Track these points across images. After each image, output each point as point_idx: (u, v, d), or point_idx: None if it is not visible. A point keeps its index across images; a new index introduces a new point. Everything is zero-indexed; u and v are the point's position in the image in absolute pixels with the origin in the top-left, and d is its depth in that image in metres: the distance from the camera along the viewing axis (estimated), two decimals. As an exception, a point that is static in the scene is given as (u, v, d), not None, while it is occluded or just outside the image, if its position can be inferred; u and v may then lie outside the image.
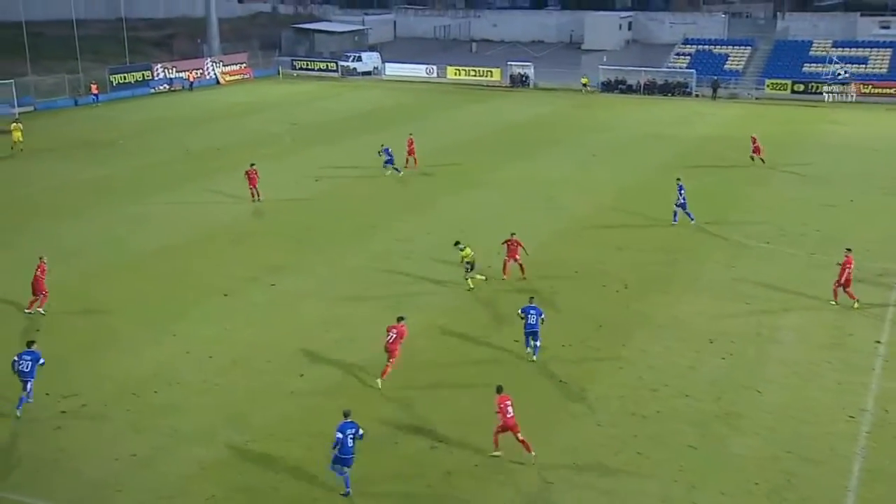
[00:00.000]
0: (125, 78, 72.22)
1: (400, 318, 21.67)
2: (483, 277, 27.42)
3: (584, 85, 73.31)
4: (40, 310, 25.48)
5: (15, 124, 49.05)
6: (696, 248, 31.40)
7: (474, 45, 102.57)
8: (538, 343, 22.37)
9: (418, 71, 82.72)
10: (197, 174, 41.10)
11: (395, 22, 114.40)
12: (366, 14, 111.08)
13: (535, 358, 22.33)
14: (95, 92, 66.92)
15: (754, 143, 43.62)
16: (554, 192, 38.99)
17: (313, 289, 27.43)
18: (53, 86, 67.17)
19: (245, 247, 31.68)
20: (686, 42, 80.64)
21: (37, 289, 25.41)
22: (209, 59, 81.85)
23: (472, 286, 27.06)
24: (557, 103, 67.22)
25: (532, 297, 23.41)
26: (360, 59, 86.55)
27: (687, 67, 74.25)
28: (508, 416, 17.65)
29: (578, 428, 19.29)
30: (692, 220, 33.61)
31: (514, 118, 60.10)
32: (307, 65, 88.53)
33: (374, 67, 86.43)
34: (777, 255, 30.61)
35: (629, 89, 72.44)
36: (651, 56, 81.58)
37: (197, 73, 78.43)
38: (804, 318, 25.17)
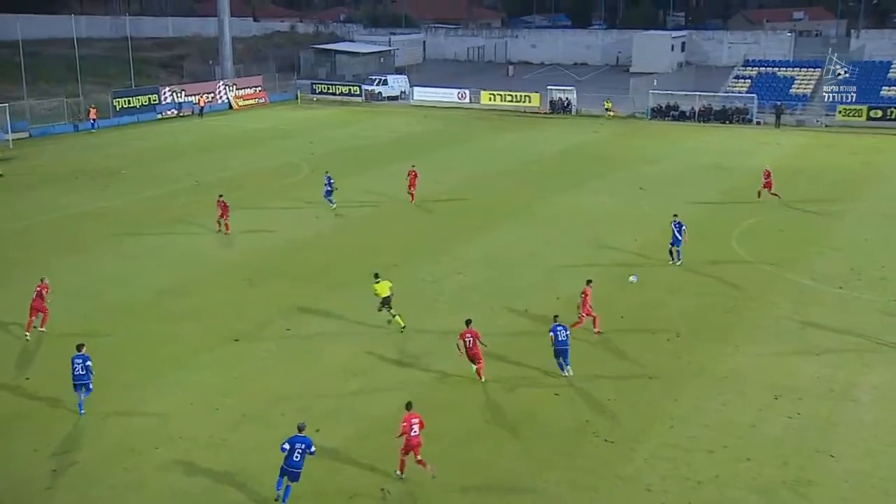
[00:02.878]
0: (130, 102, 73.76)
1: (468, 322, 24.33)
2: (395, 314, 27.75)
3: (608, 110, 73.77)
4: (42, 329, 27.37)
5: None
6: (758, 291, 31.13)
7: (511, 67, 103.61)
8: (568, 361, 24.33)
9: (450, 96, 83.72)
10: (207, 207, 41.63)
11: (424, 42, 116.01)
12: (392, 34, 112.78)
13: (571, 373, 24.29)
14: (93, 117, 68.32)
15: (767, 177, 43.10)
16: (598, 229, 39.03)
17: (332, 334, 27.55)
18: (51, 110, 68.75)
19: (258, 287, 31.96)
20: (746, 64, 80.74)
21: (35, 307, 27.29)
22: (221, 82, 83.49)
23: (403, 324, 27.53)
24: (603, 131, 67.41)
25: (557, 316, 25.03)
26: (385, 82, 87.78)
27: (747, 92, 74.28)
28: (413, 434, 19.06)
29: (626, 492, 19.08)
30: (679, 261, 33.63)
31: (555, 147, 60.36)
32: (328, 89, 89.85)
33: (402, 92, 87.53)
34: (851, 300, 30.26)
35: (682, 116, 72.60)
36: (707, 79, 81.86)
37: (208, 98, 79.91)
38: (884, 372, 24.76)
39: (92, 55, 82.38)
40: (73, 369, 22.45)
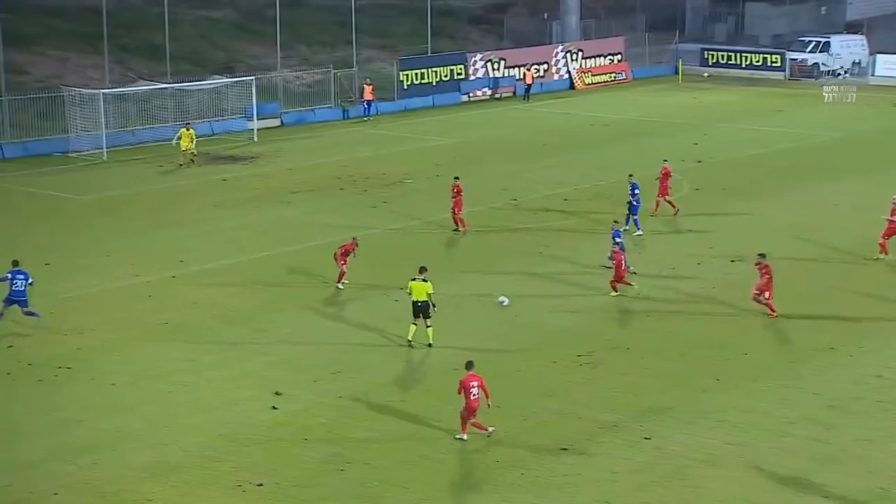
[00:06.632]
0: (423, 76, 76.98)
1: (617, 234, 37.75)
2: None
3: None
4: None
5: (184, 130, 57.84)
6: None
7: None
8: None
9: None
10: (524, 240, 42.84)
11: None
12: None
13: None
14: (368, 97, 71.54)
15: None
16: None
17: (713, 453, 27.33)
18: (311, 86, 73.17)
19: (599, 368, 32.53)
20: None
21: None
22: (560, 48, 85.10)
23: (430, 342, 33.29)
24: None
25: (616, 221, 40.35)
26: (826, 47, 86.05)
27: None
28: (472, 397, 26.70)
29: None
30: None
31: None
32: (729, 58, 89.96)
33: (854, 63, 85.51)
34: None
35: None
36: None
37: (539, 71, 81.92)
38: None
39: (372, 4, 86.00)
40: (14, 283, 33.18)
